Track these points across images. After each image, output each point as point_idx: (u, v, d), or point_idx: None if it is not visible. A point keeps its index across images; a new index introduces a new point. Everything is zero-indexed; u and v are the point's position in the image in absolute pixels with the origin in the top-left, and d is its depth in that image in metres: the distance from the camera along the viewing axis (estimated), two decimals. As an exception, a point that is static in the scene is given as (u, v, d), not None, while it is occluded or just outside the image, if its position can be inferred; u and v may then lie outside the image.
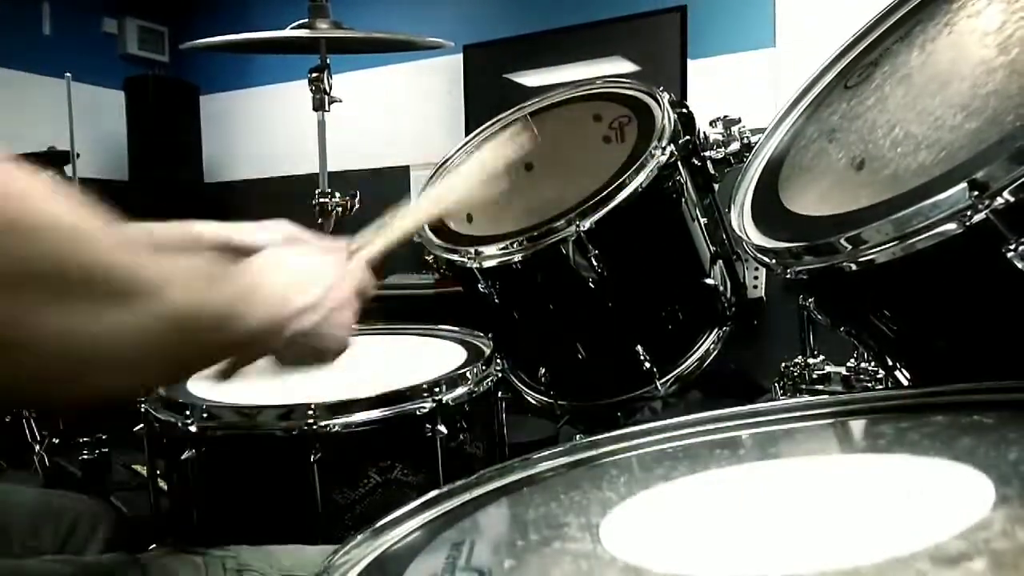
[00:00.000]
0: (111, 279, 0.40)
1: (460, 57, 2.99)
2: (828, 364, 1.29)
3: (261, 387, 1.01)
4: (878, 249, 0.62)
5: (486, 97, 2.91)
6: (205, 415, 0.87)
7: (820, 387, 1.28)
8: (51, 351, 0.37)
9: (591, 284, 1.11)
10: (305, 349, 0.60)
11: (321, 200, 1.69)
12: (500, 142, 0.83)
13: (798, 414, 0.65)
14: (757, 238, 0.79)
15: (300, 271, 0.60)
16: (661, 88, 1.25)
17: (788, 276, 0.73)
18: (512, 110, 1.46)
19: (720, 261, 1.24)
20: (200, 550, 0.66)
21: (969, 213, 0.56)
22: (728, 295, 1.25)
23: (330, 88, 1.71)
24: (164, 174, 3.49)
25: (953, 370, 0.70)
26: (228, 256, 0.66)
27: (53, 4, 3.48)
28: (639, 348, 1.18)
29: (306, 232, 0.74)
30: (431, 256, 1.24)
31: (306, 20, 1.65)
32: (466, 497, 0.56)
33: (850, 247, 0.64)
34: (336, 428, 0.85)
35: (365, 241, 0.71)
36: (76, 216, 0.39)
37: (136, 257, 0.43)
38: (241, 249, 0.70)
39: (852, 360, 1.25)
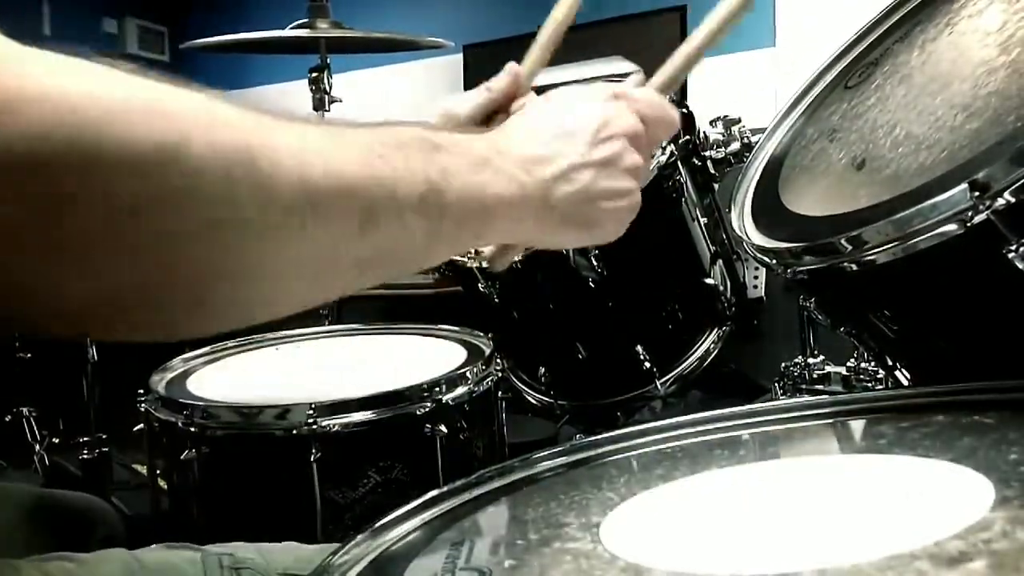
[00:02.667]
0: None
1: (460, 57, 2.99)
2: (828, 364, 1.29)
3: (261, 386, 1.01)
4: (878, 249, 0.62)
5: (486, 97, 2.90)
6: (205, 415, 0.88)
7: (820, 387, 1.28)
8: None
9: (591, 284, 1.12)
10: (578, 222, 0.49)
11: (321, 200, 1.69)
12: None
13: (798, 414, 0.65)
14: (757, 238, 0.79)
15: (564, 118, 0.49)
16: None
17: (788, 276, 0.73)
18: (512, 110, 1.46)
19: (720, 261, 1.24)
20: (197, 547, 0.66)
21: (970, 214, 0.56)
22: (728, 295, 1.25)
23: (330, 88, 1.71)
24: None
25: (953, 370, 0.70)
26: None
27: (53, 4, 3.48)
28: (639, 348, 1.18)
29: (477, 107, 0.64)
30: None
31: (306, 20, 1.66)
32: (466, 497, 0.56)
33: (850, 247, 0.64)
34: (336, 428, 0.85)
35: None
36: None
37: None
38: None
39: (852, 360, 1.25)
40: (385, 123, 0.43)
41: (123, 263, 0.31)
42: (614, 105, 0.51)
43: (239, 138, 0.34)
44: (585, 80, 1.41)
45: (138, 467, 1.71)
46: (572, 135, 0.48)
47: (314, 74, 1.70)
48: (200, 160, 0.32)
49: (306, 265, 0.37)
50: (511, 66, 0.67)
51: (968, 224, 0.56)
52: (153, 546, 0.66)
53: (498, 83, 0.66)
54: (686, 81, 2.61)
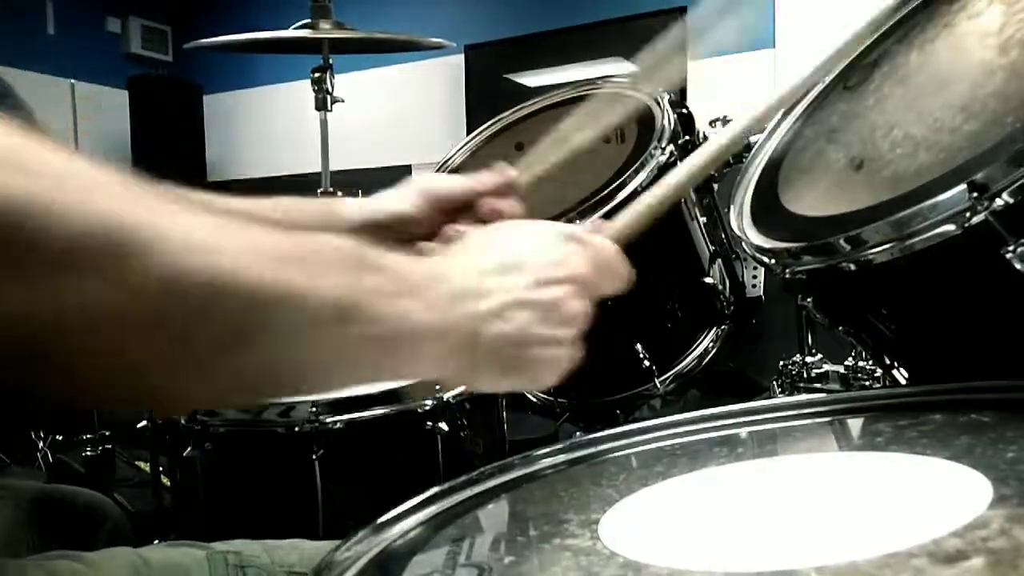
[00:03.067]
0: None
1: (461, 57, 3.00)
2: (826, 363, 1.29)
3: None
4: (877, 249, 0.62)
5: (487, 97, 2.91)
6: (208, 412, 0.88)
7: (818, 385, 1.28)
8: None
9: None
10: (505, 366, 0.44)
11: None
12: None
13: (796, 412, 0.65)
14: (756, 238, 0.79)
15: (511, 253, 0.45)
16: (661, 88, 1.26)
17: (787, 276, 0.73)
18: (512, 109, 1.46)
19: (719, 260, 1.25)
20: (202, 544, 0.66)
21: (968, 214, 0.56)
22: (727, 294, 1.26)
23: (332, 88, 1.71)
24: (167, 173, 3.45)
25: (951, 369, 0.70)
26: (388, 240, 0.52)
27: (57, 4, 3.49)
28: (638, 346, 1.18)
29: (457, 188, 0.61)
30: (432, 255, 1.24)
31: (309, 20, 1.66)
32: (467, 494, 0.56)
33: (849, 247, 0.65)
34: (338, 425, 0.86)
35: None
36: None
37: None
38: (403, 228, 0.59)
39: (850, 359, 1.25)
40: (318, 233, 0.39)
41: None
42: (566, 247, 0.48)
43: (116, 215, 0.31)
44: (585, 80, 1.42)
45: (141, 464, 1.72)
46: (516, 271, 0.44)
47: (317, 74, 1.70)
48: (69, 231, 0.29)
49: (161, 363, 0.32)
50: (504, 168, 0.65)
51: (966, 225, 0.56)
52: (158, 544, 0.66)
53: (488, 178, 0.64)
54: (685, 82, 2.60)
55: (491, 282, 0.43)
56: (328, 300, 0.36)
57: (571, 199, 1.15)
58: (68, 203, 0.29)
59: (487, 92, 2.93)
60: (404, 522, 0.53)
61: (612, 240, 0.53)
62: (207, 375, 0.34)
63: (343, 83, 1.75)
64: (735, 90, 2.59)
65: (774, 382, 1.33)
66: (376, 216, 0.64)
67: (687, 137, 1.19)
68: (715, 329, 1.24)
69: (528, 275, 0.44)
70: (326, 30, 1.63)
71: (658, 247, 1.20)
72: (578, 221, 1.07)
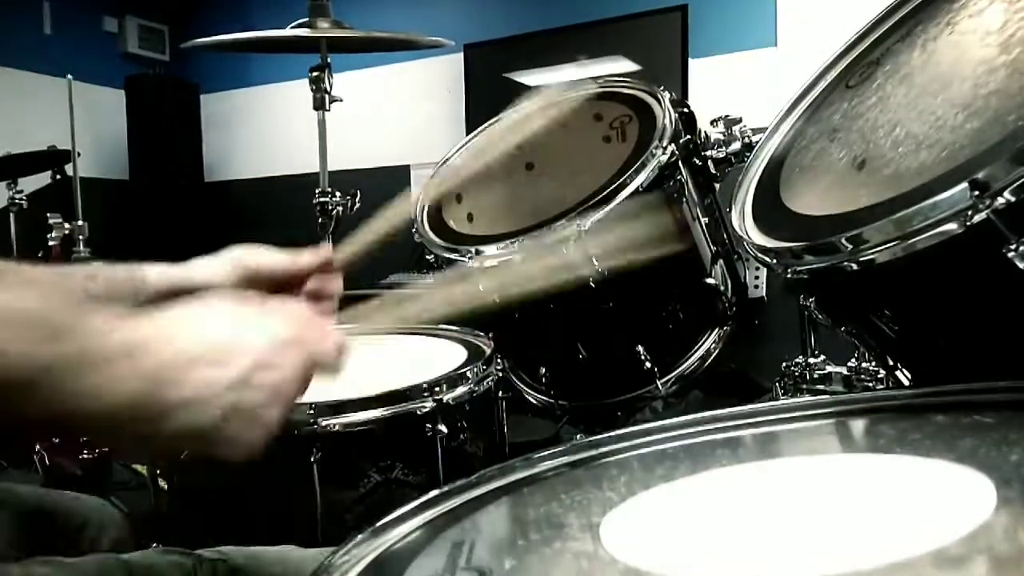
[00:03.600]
0: None
1: (461, 56, 2.99)
2: (829, 364, 1.29)
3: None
4: (879, 249, 0.62)
5: (487, 96, 2.90)
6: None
7: (821, 387, 1.28)
8: None
9: (592, 284, 1.11)
10: (195, 442, 0.44)
11: (321, 199, 1.69)
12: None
13: (799, 414, 0.65)
14: (758, 238, 0.79)
15: (224, 342, 0.43)
16: (662, 87, 1.25)
17: (789, 276, 0.73)
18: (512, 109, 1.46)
19: (721, 261, 1.24)
20: (189, 551, 0.65)
21: (970, 213, 0.56)
22: (729, 295, 1.25)
23: (331, 87, 1.71)
24: (164, 173, 3.49)
25: (954, 370, 0.70)
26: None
27: (54, 3, 3.48)
28: (640, 348, 1.18)
29: (277, 266, 0.64)
30: (432, 256, 1.24)
31: (307, 19, 1.65)
32: (467, 497, 0.56)
33: (851, 247, 0.64)
34: (336, 428, 0.85)
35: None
36: None
37: None
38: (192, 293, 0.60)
39: (853, 360, 1.25)
40: (17, 290, 0.38)
41: None
42: (283, 349, 0.46)
43: None
44: (586, 79, 1.41)
45: (138, 467, 1.71)
46: (221, 365, 0.43)
47: (315, 73, 1.70)
48: None
49: None
50: (326, 256, 0.67)
51: (968, 223, 0.56)
52: (146, 551, 0.66)
53: (308, 262, 0.66)
54: (687, 81, 2.60)
55: (188, 371, 0.42)
56: (7, 370, 0.36)
57: (571, 199, 1.15)
58: None
59: (487, 91, 2.92)
60: (403, 525, 0.52)
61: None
62: None
63: (341, 82, 1.74)
64: (736, 89, 2.59)
65: (776, 383, 1.32)
66: (183, 286, 0.63)
67: (688, 136, 1.18)
68: (717, 330, 1.23)
69: (230, 373, 0.43)
70: (324, 29, 1.63)
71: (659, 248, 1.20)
72: (578, 222, 1.07)
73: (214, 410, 0.43)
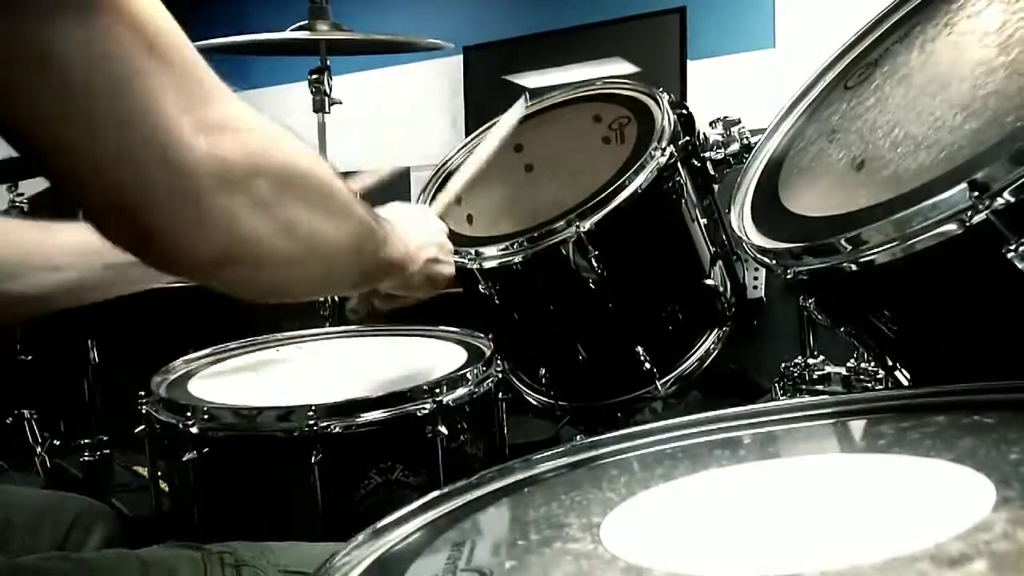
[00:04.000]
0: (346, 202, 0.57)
1: (460, 58, 2.99)
2: (828, 364, 1.29)
3: (263, 388, 1.01)
4: (878, 250, 0.62)
5: (486, 98, 2.91)
6: (206, 416, 0.88)
7: (820, 387, 1.28)
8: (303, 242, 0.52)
9: (591, 285, 1.12)
10: (427, 275, 0.82)
11: (321, 201, 1.69)
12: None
13: (798, 414, 0.65)
14: (757, 239, 0.79)
15: (420, 222, 0.83)
16: (661, 89, 1.26)
17: (788, 277, 0.73)
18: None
19: (720, 262, 1.24)
20: (198, 545, 0.66)
21: (969, 214, 0.56)
22: (728, 295, 1.25)
23: (330, 90, 1.71)
24: (164, 176, 3.49)
25: (953, 370, 0.70)
26: None
27: (53, 6, 3.48)
28: (639, 349, 1.18)
29: None
30: (432, 257, 1.24)
31: (306, 22, 1.66)
32: (467, 498, 0.56)
33: (850, 247, 0.64)
34: (337, 429, 0.85)
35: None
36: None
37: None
38: None
39: (852, 360, 1.25)
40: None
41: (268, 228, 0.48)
42: (436, 219, 0.93)
43: (339, 186, 0.56)
44: (585, 81, 1.41)
45: (139, 469, 1.71)
46: (423, 228, 0.84)
47: (314, 76, 1.70)
48: (317, 177, 0.53)
49: (327, 262, 0.57)
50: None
51: (967, 224, 0.56)
52: (152, 547, 0.66)
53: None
54: (686, 82, 2.60)
55: (416, 235, 0.80)
56: (378, 241, 0.66)
57: (570, 201, 1.15)
58: (324, 170, 0.56)
59: (486, 93, 2.92)
60: (404, 526, 0.52)
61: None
62: (336, 270, 0.62)
63: (341, 85, 1.74)
64: (735, 91, 2.59)
65: (776, 384, 1.33)
66: None
67: (687, 138, 1.19)
68: (716, 331, 1.24)
69: (433, 236, 0.85)
70: (323, 31, 1.63)
71: (659, 249, 1.20)
72: (577, 224, 1.07)
73: (432, 246, 0.83)
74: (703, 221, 1.22)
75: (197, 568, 0.63)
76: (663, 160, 1.11)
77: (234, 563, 0.64)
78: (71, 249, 0.77)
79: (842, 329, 0.80)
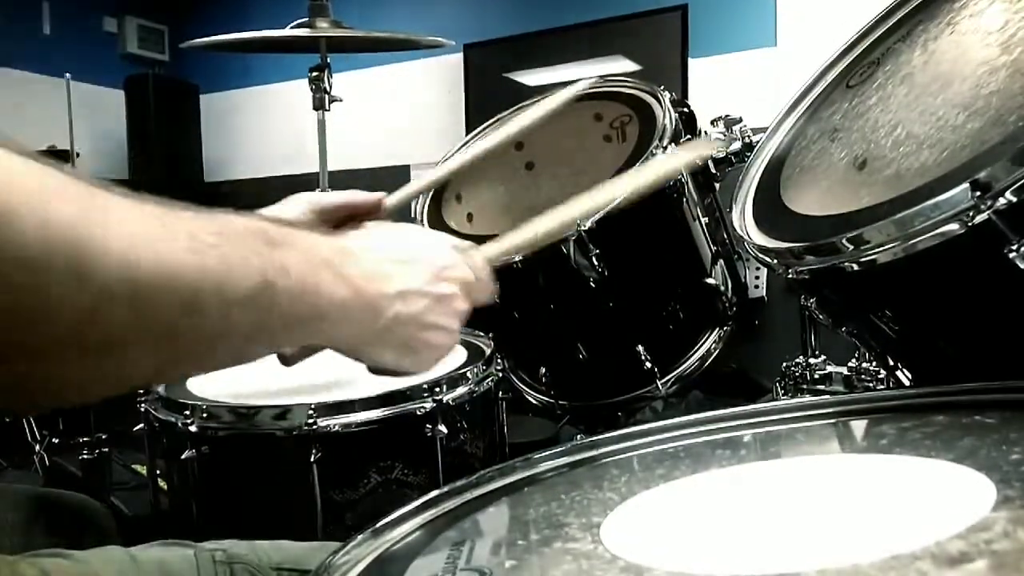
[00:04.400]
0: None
1: (460, 56, 2.99)
2: (829, 364, 1.29)
3: (261, 387, 1.01)
4: (880, 249, 0.62)
5: (487, 96, 2.90)
6: (205, 415, 0.87)
7: (821, 387, 1.28)
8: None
9: (592, 284, 1.11)
10: (399, 344, 0.50)
11: (321, 199, 1.69)
12: (683, 151, 0.74)
13: (799, 414, 0.65)
14: (758, 238, 0.79)
15: (412, 248, 0.52)
16: (662, 87, 1.25)
17: (789, 276, 0.73)
18: (512, 109, 1.46)
19: (721, 261, 1.24)
20: (191, 543, 0.66)
21: (971, 213, 0.56)
22: (729, 295, 1.25)
23: (330, 87, 1.71)
24: (164, 173, 3.49)
25: (955, 370, 0.70)
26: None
27: (53, 3, 3.48)
28: (640, 348, 1.18)
29: (339, 201, 0.68)
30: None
31: (306, 19, 1.65)
32: (467, 497, 0.56)
33: (852, 247, 0.64)
34: (336, 428, 0.85)
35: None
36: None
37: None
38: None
39: (853, 360, 1.25)
40: (224, 212, 0.41)
41: None
42: (456, 254, 0.54)
43: (71, 215, 0.32)
44: (586, 79, 1.41)
45: (138, 467, 1.71)
46: (415, 263, 0.51)
47: (314, 73, 1.70)
48: (27, 235, 0.30)
49: (115, 349, 0.35)
50: (380, 195, 0.72)
51: (969, 224, 0.56)
52: (146, 544, 0.66)
53: (366, 198, 0.70)
54: (687, 81, 2.60)
55: (395, 269, 0.49)
56: (243, 280, 0.39)
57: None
58: (24, 207, 0.30)
59: (486, 91, 2.92)
60: (403, 525, 0.52)
61: (489, 260, 0.58)
62: (147, 352, 0.36)
63: (341, 82, 1.74)
64: (736, 89, 2.59)
65: (777, 383, 1.33)
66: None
67: (688, 136, 1.18)
68: (717, 330, 1.23)
69: (428, 269, 0.51)
70: (324, 29, 1.63)
71: (660, 248, 1.20)
72: (578, 222, 1.07)
73: (423, 298, 0.50)
74: (704, 220, 1.22)
75: (190, 566, 0.63)
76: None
77: (227, 560, 0.64)
78: None
79: (843, 329, 0.80)
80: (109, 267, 0.33)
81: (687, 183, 1.18)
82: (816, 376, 1.28)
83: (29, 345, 0.32)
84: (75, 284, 0.32)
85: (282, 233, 0.43)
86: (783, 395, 1.30)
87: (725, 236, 1.25)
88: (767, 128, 0.97)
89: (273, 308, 0.41)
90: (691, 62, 2.56)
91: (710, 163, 1.25)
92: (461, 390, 0.94)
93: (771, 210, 0.82)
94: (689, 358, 1.22)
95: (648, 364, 1.18)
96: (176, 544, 0.66)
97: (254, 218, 0.42)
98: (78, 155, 2.52)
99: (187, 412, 0.88)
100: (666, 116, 1.16)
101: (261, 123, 3.78)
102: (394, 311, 0.48)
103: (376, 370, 0.53)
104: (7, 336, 0.31)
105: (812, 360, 1.30)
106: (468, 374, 0.97)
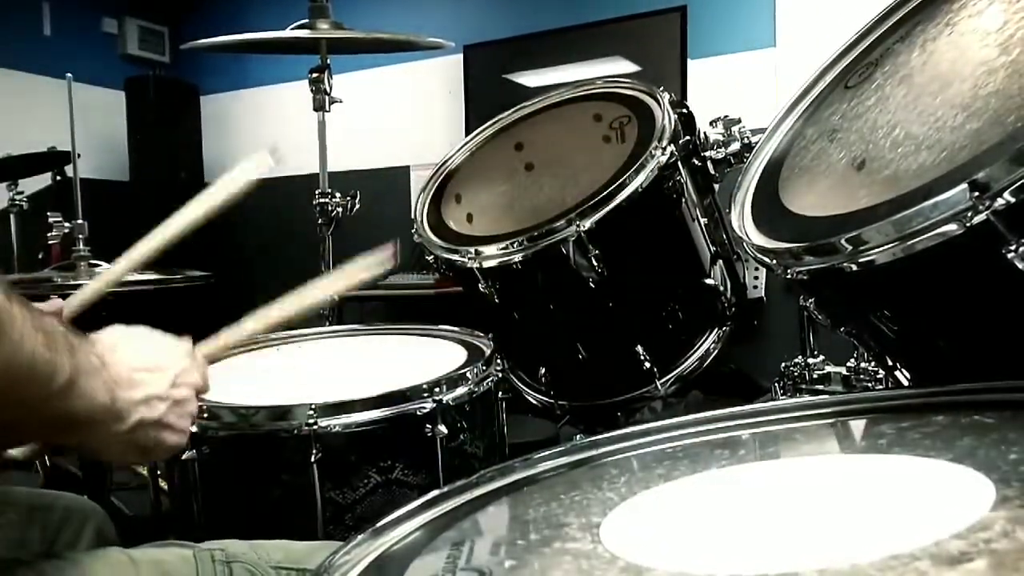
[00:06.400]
0: None
1: (460, 57, 2.99)
2: (828, 364, 1.29)
3: (262, 387, 1.01)
4: (878, 250, 0.62)
5: (486, 97, 2.90)
6: (206, 415, 0.87)
7: (820, 387, 1.28)
8: None
9: (591, 284, 1.12)
10: (137, 445, 0.56)
11: (321, 200, 1.70)
12: (366, 262, 0.75)
13: (798, 414, 0.65)
14: (757, 238, 0.79)
15: (152, 353, 0.57)
16: (661, 88, 1.26)
17: (788, 276, 0.73)
18: (512, 110, 1.46)
19: (720, 261, 1.24)
20: (190, 544, 0.66)
21: (970, 214, 0.56)
22: (728, 295, 1.25)
23: (330, 88, 1.71)
24: (164, 174, 3.49)
25: (953, 370, 0.70)
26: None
27: (53, 4, 3.48)
28: (639, 348, 1.18)
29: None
30: (431, 256, 1.24)
31: (306, 20, 1.65)
32: (466, 497, 0.56)
33: (850, 248, 0.64)
34: (336, 428, 0.85)
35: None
36: None
37: None
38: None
39: (852, 360, 1.25)
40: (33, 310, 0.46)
41: None
42: (190, 360, 0.61)
43: None
44: (585, 80, 1.41)
45: (139, 468, 1.71)
46: (157, 371, 0.57)
47: (314, 75, 1.70)
48: None
49: None
50: (58, 303, 0.80)
51: (968, 224, 0.56)
52: (145, 546, 0.66)
53: (52, 308, 0.79)
54: (686, 81, 2.60)
55: (140, 376, 0.55)
56: (59, 376, 0.46)
57: (570, 199, 1.15)
58: None
59: (486, 92, 2.92)
60: (403, 525, 0.52)
61: (207, 359, 0.65)
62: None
63: (341, 83, 1.74)
64: (735, 90, 2.59)
65: (776, 384, 1.33)
66: None
67: (688, 137, 1.19)
68: (716, 330, 1.24)
69: (168, 376, 0.57)
70: (324, 30, 1.63)
71: (659, 248, 1.20)
72: (578, 223, 1.07)
73: (163, 402, 0.56)
74: (703, 220, 1.22)
75: (189, 566, 0.63)
76: (663, 159, 1.11)
77: (226, 560, 0.64)
78: None
79: (842, 329, 0.80)
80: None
81: (686, 183, 1.18)
82: (815, 376, 1.28)
83: None
84: None
85: (72, 338, 0.49)
86: (782, 395, 1.30)
87: (724, 237, 1.25)
88: (766, 129, 0.97)
89: (69, 404, 0.47)
90: (690, 63, 2.56)
91: (709, 164, 1.25)
92: (461, 390, 0.94)
93: (770, 211, 0.82)
94: (688, 358, 1.22)
95: (647, 364, 1.18)
96: (175, 544, 0.66)
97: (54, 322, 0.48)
98: (79, 156, 2.52)
99: (187, 413, 0.88)
100: (665, 117, 1.16)
101: (261, 124, 3.78)
102: (139, 416, 0.54)
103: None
104: None
105: (811, 360, 1.30)
106: (468, 374, 0.97)
